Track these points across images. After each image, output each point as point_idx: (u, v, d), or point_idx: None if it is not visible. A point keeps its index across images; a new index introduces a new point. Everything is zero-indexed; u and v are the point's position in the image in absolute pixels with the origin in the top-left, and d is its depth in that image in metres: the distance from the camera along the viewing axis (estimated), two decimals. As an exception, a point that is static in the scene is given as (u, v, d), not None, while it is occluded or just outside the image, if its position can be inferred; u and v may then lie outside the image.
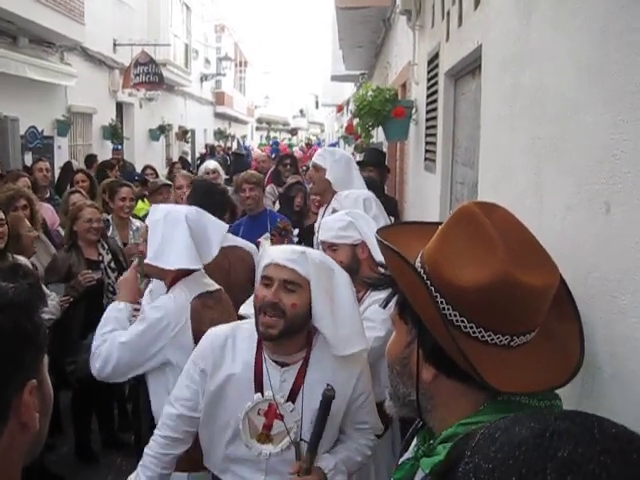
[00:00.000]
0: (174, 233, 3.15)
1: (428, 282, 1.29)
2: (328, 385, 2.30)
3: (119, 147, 15.18)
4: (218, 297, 3.32)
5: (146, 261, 3.17)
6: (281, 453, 2.48)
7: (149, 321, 3.07)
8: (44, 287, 4.52)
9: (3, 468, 1.06)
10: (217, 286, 3.37)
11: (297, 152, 18.77)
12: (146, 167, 10.95)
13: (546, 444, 0.68)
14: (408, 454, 1.48)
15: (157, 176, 9.90)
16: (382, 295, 2.96)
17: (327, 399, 2.26)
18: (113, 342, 3.08)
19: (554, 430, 0.70)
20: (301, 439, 2.47)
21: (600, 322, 1.55)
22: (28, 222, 4.81)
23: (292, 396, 2.48)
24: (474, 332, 1.27)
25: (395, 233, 1.47)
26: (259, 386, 2.48)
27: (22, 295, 1.10)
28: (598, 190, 1.60)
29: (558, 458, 0.67)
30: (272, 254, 2.47)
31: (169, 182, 7.21)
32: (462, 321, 1.27)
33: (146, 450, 2.66)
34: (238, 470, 2.55)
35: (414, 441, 1.49)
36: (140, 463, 2.66)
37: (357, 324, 2.53)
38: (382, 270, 1.44)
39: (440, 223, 1.40)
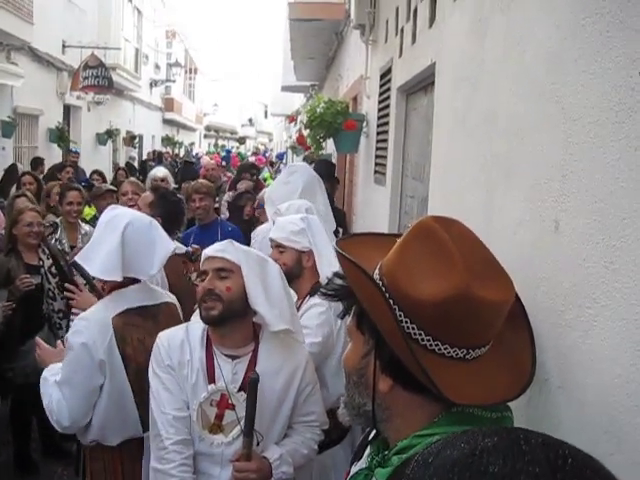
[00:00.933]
0: (106, 238, 3.01)
1: (387, 294, 1.31)
2: (254, 372, 2.43)
3: (77, 150, 14.90)
4: (153, 313, 3.13)
5: (76, 258, 3.13)
6: (232, 442, 2.55)
7: (74, 348, 2.89)
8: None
9: None
10: (164, 299, 3.24)
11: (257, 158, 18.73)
12: (94, 172, 10.77)
13: (477, 462, 0.71)
14: (361, 463, 1.50)
15: (104, 181, 9.75)
16: (317, 300, 3.06)
17: (252, 382, 2.35)
18: (54, 387, 2.93)
19: (483, 448, 0.72)
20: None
21: (548, 335, 1.60)
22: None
23: (244, 386, 2.54)
24: (431, 345, 1.29)
25: (353, 244, 1.49)
26: (211, 378, 2.57)
27: None
28: (548, 208, 1.65)
29: (490, 474, 0.69)
30: (205, 251, 2.67)
31: (113, 188, 7.12)
32: (420, 334, 1.29)
33: (164, 468, 2.53)
34: (196, 464, 2.58)
35: (367, 450, 1.51)
36: None
37: (287, 307, 2.67)
38: (339, 281, 1.45)
39: (398, 235, 1.42)
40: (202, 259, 2.67)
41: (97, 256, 2.98)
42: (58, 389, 2.91)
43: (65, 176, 9.22)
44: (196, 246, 3.29)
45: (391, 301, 1.30)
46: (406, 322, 1.29)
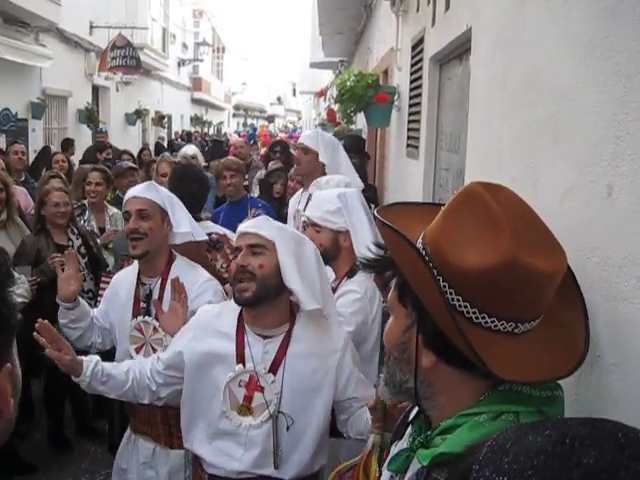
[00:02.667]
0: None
1: (431, 264, 1.23)
2: None
3: (103, 130, 14.90)
4: None
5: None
6: (260, 425, 2.48)
7: None
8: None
9: None
10: None
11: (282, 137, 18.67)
12: (123, 152, 10.78)
13: (568, 451, 0.63)
14: (402, 443, 1.43)
15: (134, 162, 9.76)
16: (353, 287, 2.95)
17: None
18: None
19: (574, 436, 0.65)
20: (279, 412, 2.48)
21: (601, 308, 1.51)
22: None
23: (273, 368, 2.49)
24: (477, 318, 1.22)
25: (394, 213, 1.40)
26: (240, 357, 2.51)
27: None
28: (599, 173, 1.55)
29: (583, 465, 0.62)
30: (240, 227, 2.59)
31: (134, 165, 7.11)
32: (465, 306, 1.21)
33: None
34: (218, 444, 2.54)
35: (408, 430, 1.44)
36: None
37: (319, 288, 2.54)
38: (380, 251, 1.38)
39: (442, 205, 1.34)
40: (236, 235, 2.61)
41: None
42: None
43: (104, 156, 9.20)
44: (222, 231, 3.16)
45: (435, 271, 1.22)
46: (451, 293, 1.22)
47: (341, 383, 2.55)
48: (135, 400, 2.81)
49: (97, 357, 2.74)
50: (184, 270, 3.21)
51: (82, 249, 5.08)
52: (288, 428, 2.46)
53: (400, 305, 1.32)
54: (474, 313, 1.21)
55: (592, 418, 0.71)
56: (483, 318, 1.22)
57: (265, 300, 2.47)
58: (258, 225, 2.51)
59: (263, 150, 9.91)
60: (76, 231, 5.16)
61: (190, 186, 4.18)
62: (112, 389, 2.74)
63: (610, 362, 1.48)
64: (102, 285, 4.54)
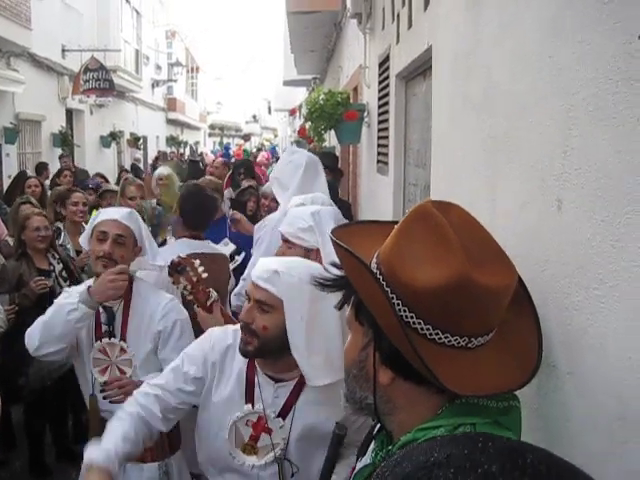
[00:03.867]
0: None
1: (384, 283, 1.25)
2: (338, 423, 2.05)
3: (66, 152, 14.82)
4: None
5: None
6: (264, 467, 2.40)
7: None
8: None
9: None
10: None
11: (262, 156, 18.59)
12: (95, 175, 10.74)
13: (426, 477, 0.66)
14: (366, 459, 1.45)
15: (107, 183, 9.73)
16: None
17: (337, 438, 2.01)
18: None
19: (435, 461, 0.68)
20: (285, 458, 2.39)
21: (554, 319, 1.55)
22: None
23: (283, 413, 2.39)
24: (431, 334, 1.24)
25: (350, 232, 1.43)
26: (250, 397, 2.40)
27: None
28: (550, 187, 1.60)
29: None
30: (254, 272, 2.37)
31: (114, 187, 7.10)
32: (419, 323, 1.23)
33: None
34: (229, 478, 2.48)
35: (372, 445, 1.46)
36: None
37: (334, 352, 2.29)
38: (337, 270, 1.40)
39: (396, 222, 1.37)
40: (249, 280, 2.41)
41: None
42: None
43: (64, 180, 9.05)
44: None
45: (388, 289, 1.25)
46: (405, 310, 1.24)
47: (352, 429, 2.32)
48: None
49: (107, 449, 2.34)
50: (146, 292, 3.23)
51: (63, 273, 5.07)
52: (293, 475, 2.39)
53: (357, 323, 1.34)
54: (428, 329, 1.23)
55: (463, 436, 0.75)
56: (437, 334, 1.24)
57: (270, 354, 2.35)
58: (269, 279, 2.27)
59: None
60: (57, 256, 5.14)
61: (200, 206, 4.17)
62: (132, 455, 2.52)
63: (565, 371, 1.51)
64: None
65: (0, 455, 5.20)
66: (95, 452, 2.23)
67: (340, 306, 1.43)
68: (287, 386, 2.41)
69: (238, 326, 2.49)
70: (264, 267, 2.33)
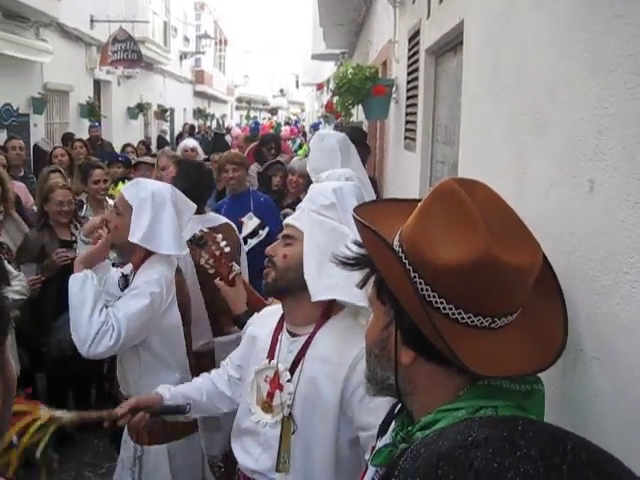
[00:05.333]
0: (162, 215, 3.10)
1: (406, 261, 1.23)
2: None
3: (96, 124, 14.89)
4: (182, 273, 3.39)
5: (135, 241, 3.07)
6: (275, 425, 2.40)
7: (150, 296, 3.02)
8: (13, 268, 4.44)
9: None
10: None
11: (285, 130, 18.45)
12: (126, 145, 10.79)
13: (463, 456, 0.64)
14: (386, 439, 1.44)
15: (137, 155, 9.78)
16: None
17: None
18: (118, 318, 2.98)
19: (474, 440, 0.66)
20: (289, 415, 2.37)
21: (582, 302, 1.51)
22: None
23: (292, 367, 2.41)
24: (453, 314, 1.22)
25: (372, 210, 1.41)
26: (271, 353, 2.47)
27: None
28: (582, 167, 1.55)
29: (474, 470, 0.63)
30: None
31: (147, 160, 7.11)
32: (441, 302, 1.22)
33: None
34: (243, 441, 2.52)
35: (392, 425, 1.45)
36: None
37: (348, 279, 2.37)
38: (358, 249, 1.38)
39: (419, 200, 1.34)
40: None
41: (162, 235, 3.10)
42: (123, 322, 2.96)
43: (75, 152, 8.79)
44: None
45: (410, 268, 1.23)
46: (426, 290, 1.22)
47: (351, 399, 2.31)
48: (216, 413, 2.80)
49: (167, 385, 2.77)
50: (150, 264, 3.21)
51: None
52: (294, 432, 2.37)
53: (379, 302, 1.33)
54: (450, 309, 1.22)
55: (502, 417, 0.73)
56: (460, 314, 1.22)
57: (288, 291, 2.41)
58: (297, 216, 2.50)
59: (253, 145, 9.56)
60: (79, 227, 5.17)
61: (195, 180, 4.18)
62: (192, 409, 2.71)
63: (592, 355, 1.48)
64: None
65: (23, 421, 5.27)
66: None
67: (362, 284, 1.42)
68: (299, 341, 2.43)
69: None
70: (294, 214, 2.57)
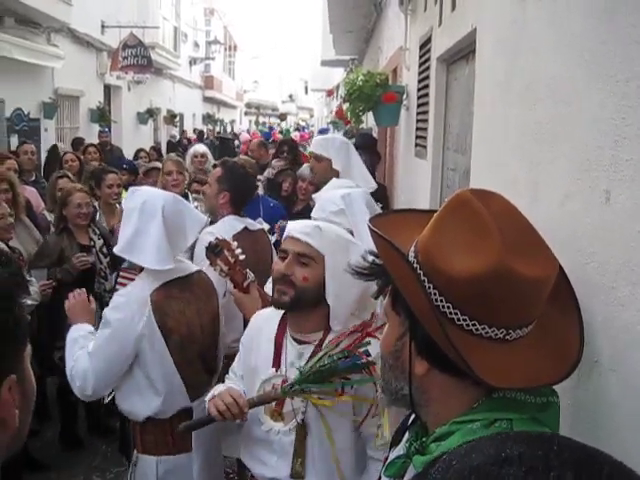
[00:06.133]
0: (148, 227, 2.93)
1: (420, 272, 1.23)
2: None
3: (106, 130, 14.92)
4: (188, 282, 3.12)
5: (117, 252, 3.00)
6: (288, 433, 2.42)
7: (112, 323, 2.91)
8: (25, 272, 4.45)
9: None
10: (192, 269, 3.21)
11: (295, 136, 18.50)
12: (139, 150, 10.80)
13: (495, 472, 0.63)
14: (399, 450, 1.43)
15: (150, 160, 9.78)
16: None
17: None
18: (84, 357, 2.93)
19: (507, 456, 0.64)
20: (302, 421, 2.41)
21: (599, 313, 1.50)
22: (7, 206, 4.69)
23: None
24: (467, 325, 1.21)
25: (388, 221, 1.41)
26: (277, 361, 2.46)
27: (1, 285, 1.01)
28: (598, 178, 1.54)
29: None
30: (290, 227, 2.48)
31: (158, 166, 7.12)
32: (455, 313, 1.21)
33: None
34: (255, 451, 2.52)
35: (405, 436, 1.44)
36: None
37: (359, 302, 2.47)
38: (374, 259, 1.38)
39: (435, 211, 1.34)
40: (285, 236, 2.49)
41: (144, 247, 2.92)
42: (88, 358, 2.91)
43: (88, 157, 8.76)
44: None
45: (425, 279, 1.22)
46: (441, 301, 1.21)
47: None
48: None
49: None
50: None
51: (104, 249, 5.13)
52: (306, 435, 2.41)
53: (394, 313, 1.32)
54: (464, 320, 1.21)
55: (538, 434, 0.71)
56: (474, 325, 1.21)
57: (301, 306, 2.42)
58: (310, 233, 2.40)
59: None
60: (97, 231, 5.22)
61: (238, 182, 4.15)
62: None
63: (608, 367, 1.47)
64: (121, 280, 4.55)
65: (33, 425, 5.28)
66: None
67: (377, 295, 1.41)
68: (309, 348, 2.45)
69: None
70: (303, 224, 2.47)
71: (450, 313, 1.21)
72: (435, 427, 1.26)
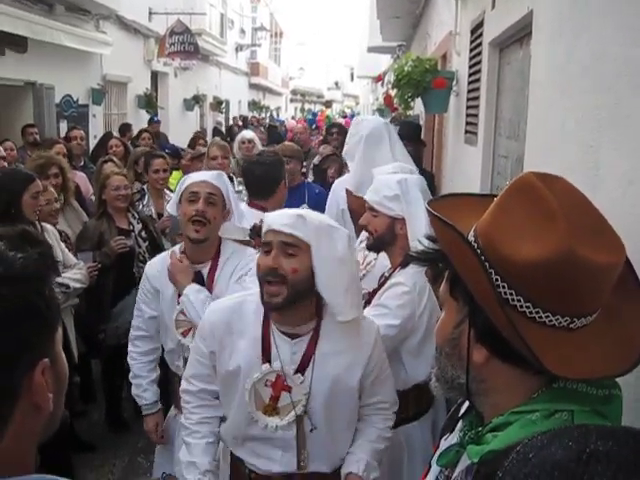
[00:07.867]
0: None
1: (482, 257, 1.19)
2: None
3: (157, 119, 14.94)
4: None
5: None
6: (287, 427, 2.41)
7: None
8: (73, 256, 4.51)
9: (15, 449, 0.99)
10: None
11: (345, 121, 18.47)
12: (197, 135, 10.87)
13: (581, 470, 0.59)
14: (452, 439, 1.40)
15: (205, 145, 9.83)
16: (402, 279, 2.89)
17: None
18: None
19: (592, 452, 0.60)
20: (305, 412, 2.41)
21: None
22: (54, 191, 4.75)
23: (301, 367, 2.40)
24: (531, 312, 1.18)
25: (446, 204, 1.37)
26: (267, 357, 2.41)
27: (31, 266, 0.99)
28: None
29: None
30: (269, 220, 2.34)
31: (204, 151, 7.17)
32: (518, 300, 1.18)
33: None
34: (256, 448, 2.49)
35: (459, 425, 1.41)
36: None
37: (355, 290, 2.43)
38: (431, 244, 1.34)
39: (495, 195, 1.30)
40: (264, 229, 2.36)
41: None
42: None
43: (142, 142, 9.04)
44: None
45: (487, 264, 1.19)
46: (503, 287, 1.18)
47: (368, 381, 2.50)
48: None
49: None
50: (231, 251, 3.29)
51: (143, 233, 5.19)
52: (312, 430, 2.41)
53: (451, 299, 1.29)
54: (527, 307, 1.18)
55: (622, 429, 0.66)
56: (537, 312, 1.18)
57: (295, 303, 2.33)
58: (293, 224, 2.28)
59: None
60: (137, 215, 5.26)
61: (260, 177, 4.18)
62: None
63: (673, 360, 1.41)
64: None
65: (80, 406, 5.37)
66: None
67: (433, 280, 1.38)
68: (303, 340, 2.42)
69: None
70: (283, 214, 2.36)
71: (513, 300, 1.18)
72: (491, 417, 1.24)
